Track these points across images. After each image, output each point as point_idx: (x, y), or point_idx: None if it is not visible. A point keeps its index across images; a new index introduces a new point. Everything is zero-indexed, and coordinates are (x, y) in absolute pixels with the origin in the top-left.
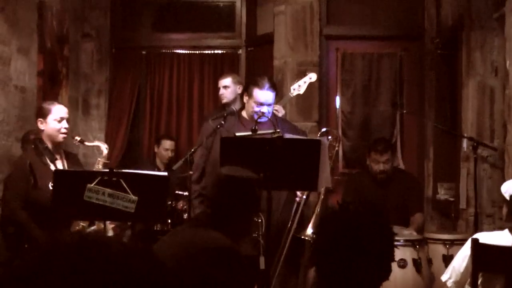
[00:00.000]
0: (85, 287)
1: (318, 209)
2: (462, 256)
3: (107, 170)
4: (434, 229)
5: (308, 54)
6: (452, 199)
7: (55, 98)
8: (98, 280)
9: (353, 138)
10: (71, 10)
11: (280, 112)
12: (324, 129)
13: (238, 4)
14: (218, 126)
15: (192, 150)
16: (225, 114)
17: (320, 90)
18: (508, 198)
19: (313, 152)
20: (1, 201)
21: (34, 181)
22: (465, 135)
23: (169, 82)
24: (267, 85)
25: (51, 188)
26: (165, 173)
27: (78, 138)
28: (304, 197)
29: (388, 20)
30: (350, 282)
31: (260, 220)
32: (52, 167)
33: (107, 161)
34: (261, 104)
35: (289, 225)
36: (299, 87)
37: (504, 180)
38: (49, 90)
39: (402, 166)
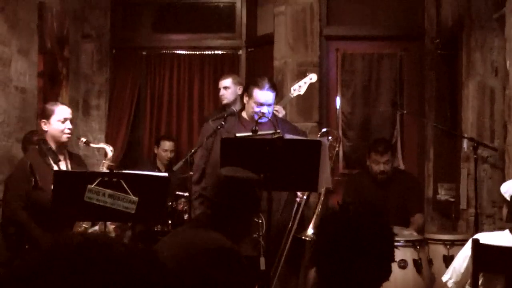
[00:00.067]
0: None
1: (318, 209)
2: (463, 257)
3: (108, 171)
4: (435, 229)
5: (308, 55)
6: (452, 199)
7: (55, 99)
8: (98, 280)
9: (353, 138)
10: (71, 11)
11: (281, 112)
12: (324, 130)
13: (238, 4)
14: (218, 127)
15: (193, 151)
16: (225, 115)
17: (320, 90)
18: (508, 198)
19: (314, 153)
20: (2, 201)
21: (34, 182)
22: (465, 135)
23: (169, 82)
24: (267, 86)
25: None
26: (166, 174)
27: (83, 140)
28: (305, 197)
29: (388, 20)
30: (350, 282)
31: (260, 221)
32: (55, 168)
33: (111, 164)
34: (261, 105)
35: (289, 225)
36: (299, 88)
37: (504, 181)
38: (49, 91)
39: (402, 166)
